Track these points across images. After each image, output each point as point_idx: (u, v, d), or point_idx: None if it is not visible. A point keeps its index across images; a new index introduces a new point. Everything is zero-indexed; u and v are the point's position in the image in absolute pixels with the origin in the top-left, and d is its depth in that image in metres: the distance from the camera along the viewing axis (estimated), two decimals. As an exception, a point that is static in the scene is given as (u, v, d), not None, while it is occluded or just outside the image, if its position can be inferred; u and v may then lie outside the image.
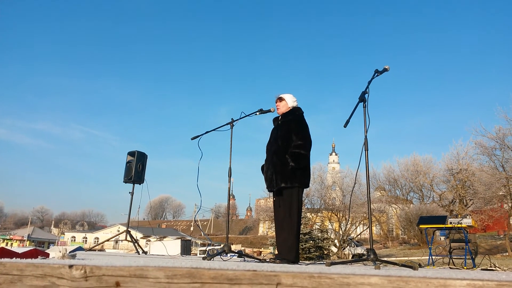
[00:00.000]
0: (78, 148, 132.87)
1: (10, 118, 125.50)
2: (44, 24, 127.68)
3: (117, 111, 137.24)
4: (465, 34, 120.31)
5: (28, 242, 57.89)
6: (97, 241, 59.74)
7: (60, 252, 2.70)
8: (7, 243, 54.13)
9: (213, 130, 4.99)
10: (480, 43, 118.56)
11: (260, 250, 45.94)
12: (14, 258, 2.05)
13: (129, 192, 7.49)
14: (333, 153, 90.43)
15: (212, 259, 4.02)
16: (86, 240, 64.93)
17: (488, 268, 5.74)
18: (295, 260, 4.02)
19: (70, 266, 1.53)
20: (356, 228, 34.22)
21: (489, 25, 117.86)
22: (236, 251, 5.10)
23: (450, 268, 6.39)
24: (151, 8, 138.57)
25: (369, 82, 3.71)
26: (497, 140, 25.10)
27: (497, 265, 6.00)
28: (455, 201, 33.87)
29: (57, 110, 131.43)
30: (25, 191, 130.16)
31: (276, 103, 4.65)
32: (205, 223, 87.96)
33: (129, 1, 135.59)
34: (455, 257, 7.38)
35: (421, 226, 8.00)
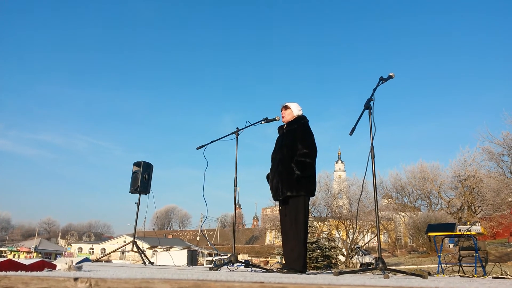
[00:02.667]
0: (83, 159, 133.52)
1: (15, 129, 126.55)
2: (47, 33, 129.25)
3: (121, 121, 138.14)
4: (470, 38, 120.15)
5: (35, 253, 58.02)
6: (104, 252, 59.76)
7: (66, 263, 2.69)
8: (14, 255, 54.28)
9: (219, 139, 4.98)
10: (485, 48, 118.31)
11: (267, 259, 45.73)
12: (20, 271, 2.04)
13: (135, 203, 7.48)
14: (339, 161, 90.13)
15: (219, 269, 3.98)
16: (92, 251, 64.95)
17: (500, 276, 5.64)
18: (302, 270, 3.97)
19: (75, 279, 1.51)
20: (363, 236, 33.94)
21: (494, 29, 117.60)
22: (243, 261, 5.05)
23: (460, 276, 6.29)
24: (154, 16, 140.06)
25: (374, 90, 3.70)
26: (505, 146, 24.91)
27: (508, 273, 5.89)
28: (463, 208, 33.51)
29: (60, 121, 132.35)
30: (32, 203, 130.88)
31: (281, 111, 4.64)
32: (211, 232, 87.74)
33: (132, 10, 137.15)
34: (465, 265, 7.28)
35: (429, 234, 7.90)
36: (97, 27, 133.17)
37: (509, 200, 26.41)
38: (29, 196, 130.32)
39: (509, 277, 5.43)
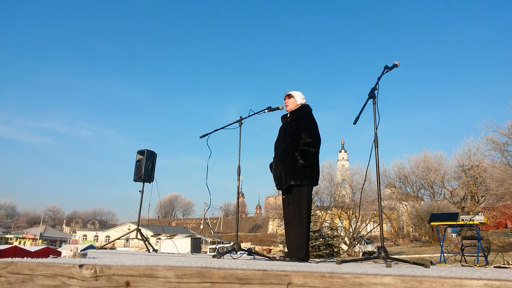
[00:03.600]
0: (87, 147, 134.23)
1: (19, 117, 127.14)
2: (49, 22, 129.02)
3: (124, 109, 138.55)
4: (475, 28, 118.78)
5: (40, 240, 58.62)
6: (108, 239, 60.30)
7: (71, 250, 2.71)
8: (20, 242, 54.89)
9: (222, 128, 4.98)
10: (491, 37, 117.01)
11: (270, 248, 46.03)
12: (26, 258, 2.06)
13: (139, 191, 7.53)
14: (343, 150, 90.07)
15: (222, 257, 4.02)
16: (97, 239, 65.59)
17: (502, 265, 5.66)
18: (305, 258, 4.00)
19: (81, 266, 1.53)
20: (366, 225, 34.01)
21: (499, 19, 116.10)
22: (245, 249, 5.09)
23: (462, 265, 6.31)
24: (158, 5, 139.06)
25: (379, 78, 3.67)
26: (510, 136, 24.72)
27: (510, 263, 5.91)
28: (466, 198, 33.48)
29: (64, 109, 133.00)
30: (37, 190, 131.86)
31: (284, 99, 4.62)
32: (214, 221, 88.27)
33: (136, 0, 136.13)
34: (467, 254, 7.29)
35: (432, 223, 7.92)
36: (101, 17, 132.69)
37: (513, 190, 26.34)
38: (33, 184, 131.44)
39: (511, 266, 5.44)
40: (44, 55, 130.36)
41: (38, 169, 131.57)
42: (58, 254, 3.10)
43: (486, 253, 7.08)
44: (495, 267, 5.59)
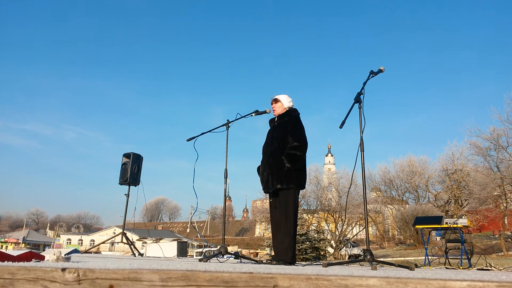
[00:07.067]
0: (72, 149, 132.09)
1: (1, 119, 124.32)
2: (35, 24, 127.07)
3: (110, 112, 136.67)
4: (459, 33, 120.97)
5: (23, 244, 57.51)
6: (93, 243, 59.45)
7: (54, 254, 2.67)
8: (2, 246, 53.75)
9: (209, 131, 4.96)
10: (474, 43, 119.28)
11: (257, 251, 45.88)
12: (6, 262, 2.02)
13: (125, 194, 7.45)
14: (329, 154, 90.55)
15: (209, 261, 3.99)
16: (81, 243, 64.61)
17: (484, 268, 5.75)
18: (291, 261, 4.00)
19: (63, 269, 1.50)
20: (352, 228, 34.30)
21: (483, 25, 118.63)
22: (232, 252, 5.07)
23: (446, 268, 6.39)
24: (145, 7, 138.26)
25: (364, 83, 3.71)
26: (492, 141, 25.15)
27: (492, 265, 6.01)
28: (450, 202, 33.97)
29: (48, 111, 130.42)
30: (20, 193, 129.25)
31: (271, 104, 4.64)
32: (201, 224, 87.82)
33: (121, 0, 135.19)
34: (451, 257, 7.40)
35: (417, 226, 8.01)
36: (84, 17, 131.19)
37: (495, 194, 26.82)
38: (16, 187, 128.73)
39: (493, 268, 5.53)
40: (29, 56, 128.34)
41: (21, 171, 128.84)
42: (42, 258, 3.04)
43: (469, 256, 7.20)
44: (478, 269, 5.68)
